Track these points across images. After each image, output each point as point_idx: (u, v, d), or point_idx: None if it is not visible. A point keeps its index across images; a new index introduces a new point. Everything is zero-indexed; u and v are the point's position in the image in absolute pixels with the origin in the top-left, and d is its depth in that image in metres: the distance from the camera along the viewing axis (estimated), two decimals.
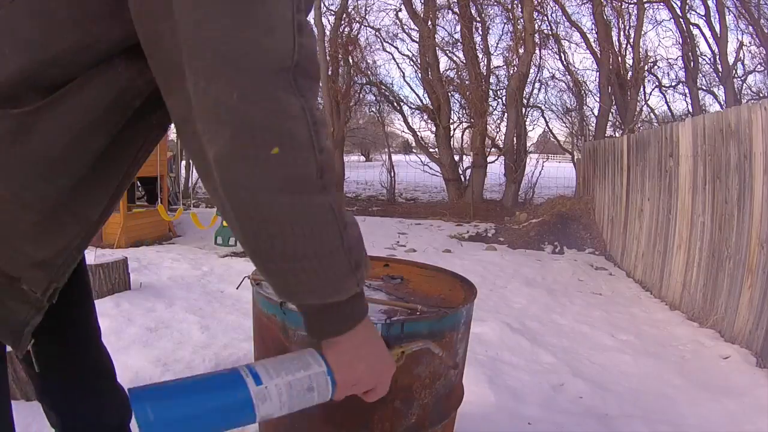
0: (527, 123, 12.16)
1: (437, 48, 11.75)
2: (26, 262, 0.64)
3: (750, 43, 11.60)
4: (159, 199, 6.62)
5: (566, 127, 13.61)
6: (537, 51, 11.20)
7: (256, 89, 0.52)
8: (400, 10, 12.28)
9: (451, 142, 11.87)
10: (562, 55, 12.08)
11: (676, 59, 12.07)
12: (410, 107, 13.24)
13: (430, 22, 11.66)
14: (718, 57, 11.08)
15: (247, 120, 0.52)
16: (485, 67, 11.89)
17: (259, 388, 0.64)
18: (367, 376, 0.71)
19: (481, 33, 11.82)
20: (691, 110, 11.52)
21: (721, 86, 11.39)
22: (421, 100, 12.95)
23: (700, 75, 11.90)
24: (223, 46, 0.52)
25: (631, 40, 11.20)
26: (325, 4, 12.13)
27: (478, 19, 11.74)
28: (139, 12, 0.57)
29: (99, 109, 0.60)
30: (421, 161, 12.24)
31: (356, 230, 0.62)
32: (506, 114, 11.29)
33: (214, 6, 0.52)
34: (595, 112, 11.58)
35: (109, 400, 1.13)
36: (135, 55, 0.60)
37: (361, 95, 13.62)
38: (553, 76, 12.95)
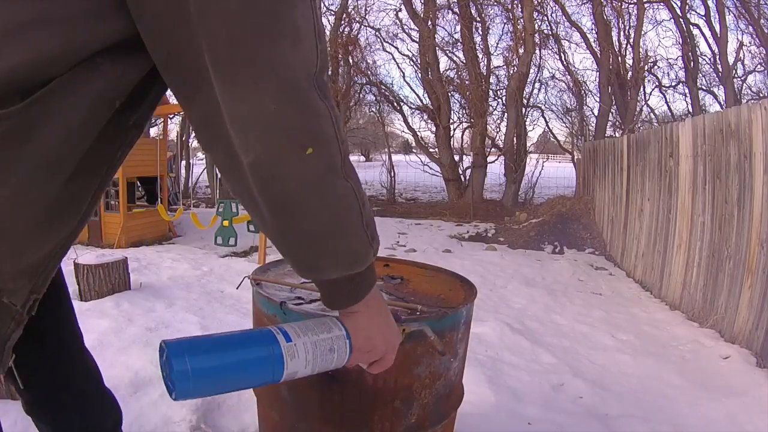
0: (527, 123, 12.17)
1: (437, 48, 11.74)
2: (8, 274, 0.62)
3: (750, 43, 11.62)
4: (159, 199, 6.62)
5: (566, 127, 13.64)
6: (537, 51, 11.21)
7: (290, 98, 0.57)
8: (400, 10, 12.29)
9: (451, 142, 11.87)
10: (562, 55, 12.09)
11: (676, 59, 12.09)
12: (410, 107, 13.23)
13: (430, 22, 11.66)
14: (718, 57, 11.08)
15: (283, 127, 0.57)
16: (485, 67, 11.89)
17: (289, 344, 0.69)
18: (381, 342, 0.77)
19: (481, 33, 11.83)
20: (691, 110, 11.52)
21: (721, 86, 11.39)
22: (421, 100, 12.95)
23: (700, 75, 11.90)
24: (257, 59, 0.55)
25: (631, 40, 11.20)
26: (325, 4, 12.13)
27: (478, 19, 11.74)
28: (152, 18, 0.56)
29: (82, 110, 0.58)
30: (421, 161, 12.24)
31: (370, 206, 0.69)
32: (506, 114, 11.29)
33: (246, 20, 0.54)
34: (595, 112, 11.60)
35: (98, 404, 1.11)
36: (118, 54, 0.59)
37: (361, 95, 13.61)
38: (553, 76, 12.97)
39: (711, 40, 11.25)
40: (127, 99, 0.62)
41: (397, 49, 13.86)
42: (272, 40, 0.55)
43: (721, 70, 10.99)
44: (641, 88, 11.64)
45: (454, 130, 12.26)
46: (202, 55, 0.55)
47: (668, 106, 12.79)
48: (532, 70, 11.32)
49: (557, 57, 12.27)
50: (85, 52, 0.56)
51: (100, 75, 0.58)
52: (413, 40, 12.66)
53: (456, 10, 11.70)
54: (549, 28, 11.74)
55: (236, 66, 0.55)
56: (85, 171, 0.63)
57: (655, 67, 12.15)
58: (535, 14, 10.62)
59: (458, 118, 12.41)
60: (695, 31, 11.56)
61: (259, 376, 0.68)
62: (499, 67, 12.22)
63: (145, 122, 0.70)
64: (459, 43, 11.71)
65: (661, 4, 11.10)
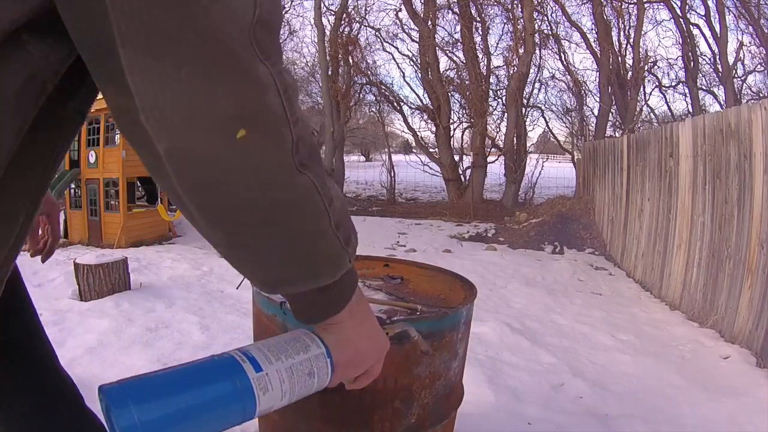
0: (527, 123, 12.18)
1: (437, 48, 11.75)
2: None
3: (750, 43, 11.64)
4: (159, 199, 6.62)
5: (566, 127, 13.64)
6: (537, 51, 11.23)
7: (210, 61, 0.42)
8: (400, 10, 12.30)
9: (451, 142, 11.89)
10: (562, 55, 12.11)
11: (676, 59, 12.11)
12: (410, 107, 13.27)
13: (430, 22, 11.67)
14: (718, 57, 11.09)
15: (202, 102, 0.43)
16: (485, 67, 11.90)
17: (259, 375, 0.55)
18: (371, 352, 0.66)
19: (481, 33, 11.84)
20: (691, 110, 11.54)
21: (721, 86, 11.41)
22: (421, 100, 12.98)
23: (700, 75, 11.92)
24: (163, 14, 0.41)
25: (631, 40, 11.22)
26: (325, 4, 12.14)
27: (478, 19, 11.76)
28: None
29: (9, 97, 0.47)
30: (421, 161, 12.26)
31: (340, 202, 0.55)
32: (506, 114, 11.30)
33: None
34: (595, 112, 11.61)
35: (77, 427, 1.00)
36: (44, 27, 0.48)
37: (361, 95, 13.63)
38: (553, 76, 12.99)
39: (711, 40, 11.29)
40: (62, 82, 0.51)
41: (397, 49, 13.89)
42: None
43: (721, 70, 11.00)
44: (641, 88, 11.66)
45: (454, 130, 12.30)
46: (109, 23, 0.42)
47: (668, 106, 12.83)
48: (532, 70, 11.35)
49: (557, 57, 12.30)
50: (5, 28, 0.46)
51: (27, 55, 0.47)
52: (413, 40, 12.69)
53: (456, 10, 11.72)
54: (549, 28, 11.77)
55: (137, 28, 0.41)
56: (20, 167, 0.52)
57: (655, 67, 12.18)
58: (535, 14, 10.63)
59: (458, 118, 12.45)
60: (695, 31, 11.61)
61: (227, 418, 0.55)
62: (499, 67, 12.25)
63: (87, 108, 0.59)
64: (459, 43, 11.72)
65: (661, 4, 11.12)
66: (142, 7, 0.40)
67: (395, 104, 13.42)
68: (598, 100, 11.32)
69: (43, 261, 1.14)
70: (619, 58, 11.25)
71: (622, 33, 11.47)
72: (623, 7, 11.25)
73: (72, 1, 0.45)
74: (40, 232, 1.12)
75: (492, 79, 12.08)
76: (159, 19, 0.41)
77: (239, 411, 0.55)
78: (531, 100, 12.38)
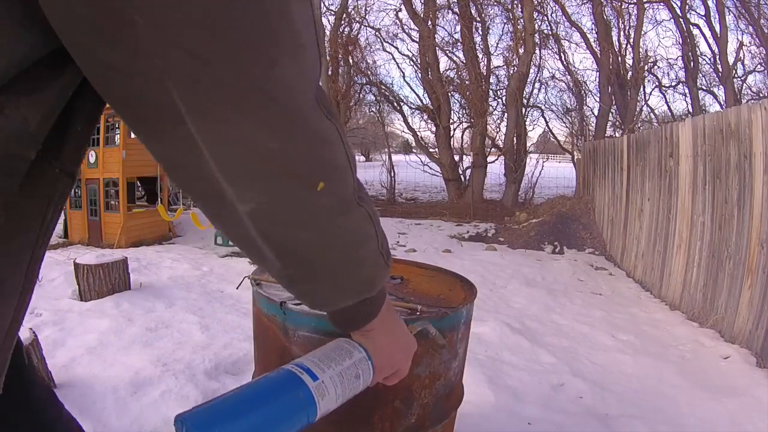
0: (527, 123, 12.18)
1: (437, 48, 11.76)
2: None
3: (750, 43, 11.63)
4: (159, 199, 6.63)
5: (566, 127, 13.64)
6: (537, 51, 11.23)
7: (296, 130, 0.45)
8: (400, 10, 12.31)
9: (451, 142, 11.89)
10: (562, 55, 12.11)
11: (676, 59, 12.12)
12: (410, 107, 13.27)
13: (430, 22, 11.67)
14: (718, 57, 11.09)
15: (291, 168, 0.47)
16: (485, 67, 11.90)
17: (316, 383, 0.64)
18: (403, 356, 0.75)
19: (481, 33, 11.85)
20: (691, 110, 11.54)
21: (721, 86, 11.40)
22: (421, 100, 12.98)
23: (700, 75, 11.92)
24: (247, 84, 0.41)
25: (631, 40, 11.22)
26: (325, 4, 12.14)
27: (478, 19, 11.76)
28: (73, 33, 0.38)
29: None
30: (421, 161, 12.26)
31: (379, 221, 0.62)
32: (506, 114, 11.31)
33: (225, 31, 0.38)
34: (595, 112, 11.62)
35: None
36: (23, 86, 0.40)
37: (361, 95, 13.65)
38: (553, 76, 12.98)
39: (711, 40, 11.28)
40: (48, 141, 0.44)
41: (397, 49, 13.94)
42: (265, 54, 0.40)
43: (721, 70, 11.00)
44: (641, 88, 11.66)
45: (454, 130, 12.31)
46: (162, 85, 0.39)
47: (668, 106, 12.82)
48: (532, 70, 11.35)
49: (557, 57, 12.31)
50: None
51: (4, 121, 0.40)
52: (413, 40, 12.70)
53: (456, 10, 11.72)
54: (549, 28, 11.77)
55: (218, 97, 0.40)
56: (6, 245, 0.45)
57: (655, 67, 12.18)
58: (535, 14, 10.63)
59: (458, 118, 12.47)
60: (695, 31, 11.61)
61: (294, 426, 0.63)
62: (499, 67, 12.27)
63: (76, 169, 0.52)
64: (459, 43, 11.73)
65: (661, 4, 11.12)
66: (222, 80, 0.40)
67: (395, 104, 13.43)
68: (598, 100, 11.33)
69: None
70: (619, 58, 11.26)
71: (622, 33, 11.49)
72: (623, 7, 11.26)
73: (94, 68, 0.40)
74: None
75: (492, 79, 12.10)
76: (242, 91, 0.41)
77: (304, 417, 0.63)
78: (531, 100, 12.40)
